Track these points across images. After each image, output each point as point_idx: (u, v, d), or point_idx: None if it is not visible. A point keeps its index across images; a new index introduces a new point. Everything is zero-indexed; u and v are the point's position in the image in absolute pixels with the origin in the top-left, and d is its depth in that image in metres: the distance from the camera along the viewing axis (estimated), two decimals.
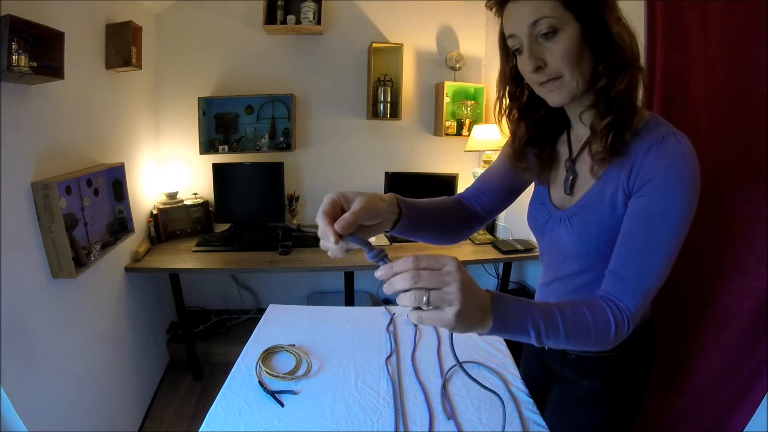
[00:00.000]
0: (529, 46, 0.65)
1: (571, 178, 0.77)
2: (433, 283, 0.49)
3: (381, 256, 0.54)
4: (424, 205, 0.77)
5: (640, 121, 0.66)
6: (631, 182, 0.65)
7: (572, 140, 0.79)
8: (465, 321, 0.50)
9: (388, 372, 0.99)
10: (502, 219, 2.41)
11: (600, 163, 0.68)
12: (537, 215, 0.84)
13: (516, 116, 0.79)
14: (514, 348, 1.12)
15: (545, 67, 0.65)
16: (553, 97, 0.67)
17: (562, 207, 0.79)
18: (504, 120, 0.80)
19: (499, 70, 0.77)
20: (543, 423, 0.84)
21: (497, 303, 0.55)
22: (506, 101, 0.78)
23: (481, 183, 0.90)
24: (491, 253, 2.12)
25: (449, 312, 0.49)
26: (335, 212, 0.58)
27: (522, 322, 0.56)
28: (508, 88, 0.76)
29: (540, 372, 0.94)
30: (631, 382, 0.82)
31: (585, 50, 0.63)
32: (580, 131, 0.76)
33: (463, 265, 0.52)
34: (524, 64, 0.67)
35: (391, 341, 1.11)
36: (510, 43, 0.68)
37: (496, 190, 0.88)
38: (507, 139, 0.85)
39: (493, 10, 0.69)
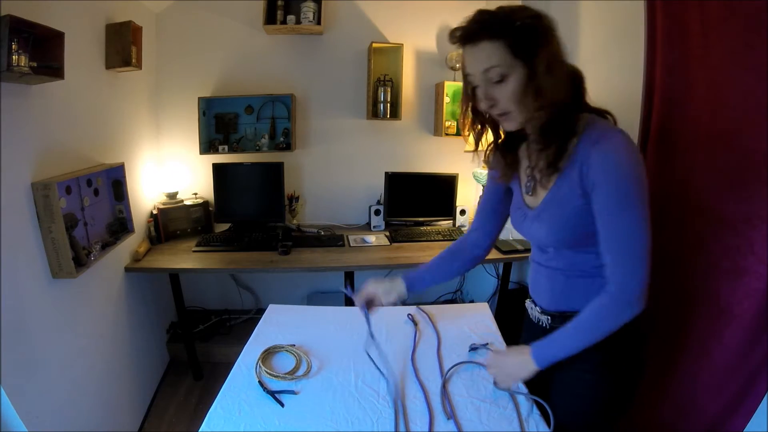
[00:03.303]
0: (483, 89, 0.78)
1: (531, 183, 0.90)
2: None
3: None
4: (429, 277, 1.12)
5: (580, 125, 0.79)
6: (585, 181, 0.77)
7: (531, 150, 0.89)
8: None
9: None
10: None
11: (546, 176, 0.84)
12: (515, 217, 0.98)
13: (479, 128, 0.90)
14: (514, 331, 1.14)
15: (497, 104, 0.78)
16: (506, 125, 0.83)
17: (534, 207, 0.91)
18: (469, 132, 0.92)
19: (462, 90, 0.87)
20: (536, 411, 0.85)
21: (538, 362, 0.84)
22: (470, 116, 0.89)
23: (479, 220, 1.11)
24: (491, 253, 2.08)
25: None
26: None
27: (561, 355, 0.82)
28: (470, 104, 0.86)
29: None
30: (623, 369, 0.88)
31: (530, 88, 0.74)
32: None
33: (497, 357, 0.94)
34: (479, 101, 0.81)
35: None
36: (468, 79, 0.81)
37: (494, 211, 1.07)
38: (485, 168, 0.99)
39: (456, 45, 0.79)
